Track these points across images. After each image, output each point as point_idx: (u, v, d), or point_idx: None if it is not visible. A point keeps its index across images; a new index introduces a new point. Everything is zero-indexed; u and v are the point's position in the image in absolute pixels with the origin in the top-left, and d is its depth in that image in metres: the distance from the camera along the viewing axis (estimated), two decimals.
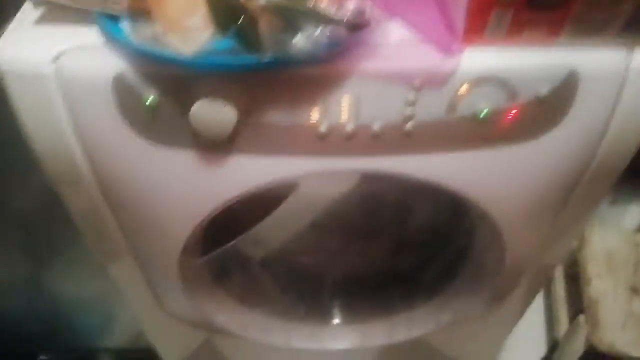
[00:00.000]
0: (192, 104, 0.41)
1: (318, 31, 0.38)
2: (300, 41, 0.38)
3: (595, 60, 0.44)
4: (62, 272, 0.87)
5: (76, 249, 0.77)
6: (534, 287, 0.75)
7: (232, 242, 0.60)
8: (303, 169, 0.47)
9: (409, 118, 0.44)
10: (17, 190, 0.74)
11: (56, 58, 0.42)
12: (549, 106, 0.45)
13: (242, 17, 0.37)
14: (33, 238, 0.83)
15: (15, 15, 0.46)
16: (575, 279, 1.04)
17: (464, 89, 0.43)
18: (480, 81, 0.43)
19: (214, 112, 0.42)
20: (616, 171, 0.54)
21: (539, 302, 1.14)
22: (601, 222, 1.07)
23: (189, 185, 0.47)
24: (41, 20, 0.45)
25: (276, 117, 0.44)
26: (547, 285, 1.13)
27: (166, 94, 0.42)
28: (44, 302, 0.92)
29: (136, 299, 0.69)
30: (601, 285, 0.98)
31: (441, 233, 0.67)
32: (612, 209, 1.10)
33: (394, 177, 0.48)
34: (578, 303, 1.01)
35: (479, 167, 0.48)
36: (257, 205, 0.56)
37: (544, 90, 0.43)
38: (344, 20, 0.38)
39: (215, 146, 0.45)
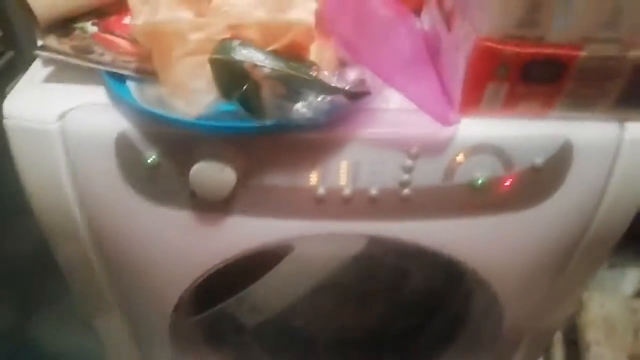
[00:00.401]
0: (192, 165, 0.42)
1: (319, 98, 0.39)
2: (302, 107, 0.39)
3: (589, 132, 0.45)
4: (48, 325, 0.84)
5: (64, 302, 0.75)
6: (532, 353, 0.73)
7: (223, 303, 0.58)
8: (300, 231, 0.47)
9: (406, 184, 0.45)
10: (6, 239, 0.73)
11: (62, 116, 0.42)
12: (545, 175, 0.45)
13: (245, 84, 0.38)
14: (20, 288, 0.82)
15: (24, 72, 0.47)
16: (574, 344, 1.01)
17: (460, 157, 0.44)
18: (476, 150, 0.44)
19: (213, 174, 0.42)
20: (613, 238, 0.54)
21: None
22: (599, 287, 1.05)
23: (185, 245, 0.47)
24: (49, 78, 0.46)
25: (275, 179, 0.44)
26: (547, 351, 1.10)
27: (167, 154, 0.43)
28: (28, 355, 0.89)
29: (121, 357, 0.67)
30: (600, 352, 0.96)
31: (438, 298, 0.66)
32: (609, 273, 1.09)
33: (391, 242, 0.48)
34: None
35: (475, 234, 0.49)
36: (252, 266, 0.55)
37: (539, 160, 0.44)
38: (345, 89, 0.39)
39: (213, 207, 0.45)
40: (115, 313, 0.56)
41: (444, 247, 0.49)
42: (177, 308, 0.52)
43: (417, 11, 0.53)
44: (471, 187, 0.45)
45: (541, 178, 0.45)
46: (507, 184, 0.45)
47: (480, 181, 0.45)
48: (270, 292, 0.60)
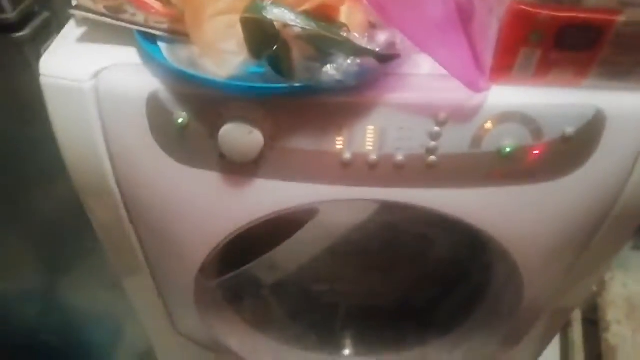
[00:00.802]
0: (221, 126, 0.43)
1: (349, 61, 0.39)
2: (331, 69, 0.39)
3: (622, 102, 0.44)
4: (76, 284, 0.87)
5: (92, 261, 0.78)
6: (550, 331, 0.73)
7: (247, 266, 0.60)
8: (325, 196, 0.47)
9: (433, 150, 0.45)
10: (39, 199, 0.75)
11: (95, 75, 0.43)
12: (575, 146, 0.45)
13: (276, 44, 0.38)
14: (50, 247, 0.84)
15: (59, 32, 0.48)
16: (593, 324, 1.01)
17: (489, 124, 0.44)
18: (505, 118, 0.44)
19: (241, 136, 0.43)
20: None
21: (554, 346, 1.11)
22: (622, 267, 1.05)
23: (211, 206, 0.48)
24: (83, 38, 0.47)
25: (302, 143, 0.44)
26: (564, 330, 1.10)
27: (197, 115, 0.43)
28: (57, 313, 0.93)
29: (148, 316, 0.69)
30: (620, 332, 0.96)
31: (459, 268, 0.66)
32: (633, 254, 1.08)
33: (414, 209, 0.48)
34: (595, 349, 0.98)
35: (501, 203, 0.48)
36: (274, 229, 0.56)
37: (570, 129, 0.44)
38: (375, 51, 0.39)
39: (240, 169, 0.45)
40: (145, 273, 0.58)
41: (469, 215, 0.49)
42: (202, 269, 0.53)
43: None
44: (499, 156, 0.44)
45: (571, 148, 0.45)
46: (535, 153, 0.45)
47: (508, 149, 0.44)
48: (292, 254, 0.60)
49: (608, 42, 0.40)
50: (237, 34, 0.40)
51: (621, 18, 0.38)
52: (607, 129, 0.44)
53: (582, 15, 0.39)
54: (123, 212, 0.51)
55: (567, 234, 0.52)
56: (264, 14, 0.37)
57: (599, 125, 0.44)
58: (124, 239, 0.54)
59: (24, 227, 0.78)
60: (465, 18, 0.47)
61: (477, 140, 0.44)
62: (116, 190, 0.49)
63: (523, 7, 0.39)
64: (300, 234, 0.57)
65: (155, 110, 0.43)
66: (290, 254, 0.61)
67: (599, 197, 0.49)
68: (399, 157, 0.45)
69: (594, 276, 0.65)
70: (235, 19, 0.39)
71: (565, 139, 0.44)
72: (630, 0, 0.38)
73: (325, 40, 0.38)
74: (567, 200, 0.49)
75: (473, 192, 0.47)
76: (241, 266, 0.62)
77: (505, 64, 0.42)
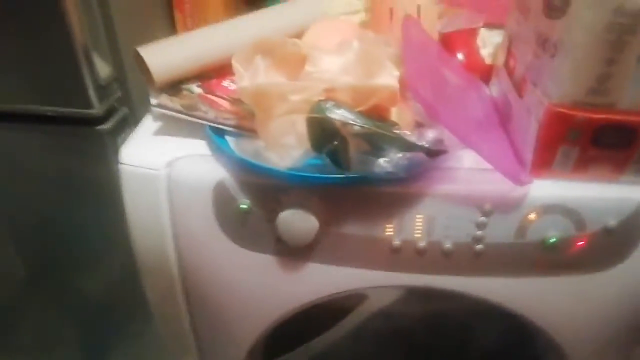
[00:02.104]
0: (280, 212, 0.46)
1: (400, 155, 0.43)
2: (384, 162, 0.43)
3: None
4: None
5: (137, 345, 0.78)
6: None
7: (295, 350, 0.60)
8: (375, 281, 0.49)
9: (480, 240, 0.47)
10: (86, 280, 0.78)
11: (169, 164, 0.48)
12: (618, 238, 0.46)
13: (336, 140, 0.42)
14: (94, 329, 0.85)
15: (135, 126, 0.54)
16: None
17: (532, 215, 0.46)
18: (548, 210, 0.46)
19: (298, 221, 0.46)
20: None
21: None
22: None
23: (266, 288, 0.50)
24: (158, 131, 0.52)
25: (354, 229, 0.47)
26: None
27: (258, 201, 0.47)
28: None
29: None
30: None
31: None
32: None
33: (461, 297, 0.49)
34: None
35: (546, 293, 0.49)
36: (319, 315, 0.57)
37: (612, 221, 0.45)
38: (426, 147, 0.43)
39: (296, 253, 0.48)
40: (193, 354, 0.59)
41: (515, 305, 0.49)
42: (250, 351, 0.54)
43: (485, 80, 0.57)
44: (543, 246, 0.46)
45: (614, 240, 0.46)
46: (579, 244, 0.46)
47: (552, 240, 0.46)
48: (338, 341, 0.61)
49: None
50: (297, 131, 0.44)
51: None
52: None
53: (616, 117, 0.42)
54: (180, 291, 0.54)
55: (616, 326, 0.51)
56: (327, 114, 0.41)
57: None
58: (177, 318, 0.56)
59: (73, 309, 0.80)
60: (502, 118, 0.51)
61: (521, 231, 0.46)
62: (176, 269, 0.52)
63: (560, 109, 0.42)
64: (347, 320, 0.57)
65: (220, 196, 0.47)
66: (336, 342, 0.61)
67: None
68: (447, 245, 0.47)
69: None
70: (296, 118, 0.44)
71: (607, 231, 0.46)
72: None
73: (380, 137, 0.42)
74: (613, 292, 0.49)
75: (519, 282, 0.48)
76: (287, 348, 0.62)
77: (545, 160, 0.45)
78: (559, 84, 0.42)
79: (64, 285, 0.77)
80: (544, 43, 0.44)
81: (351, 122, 0.41)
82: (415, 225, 0.47)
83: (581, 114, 0.42)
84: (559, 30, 0.41)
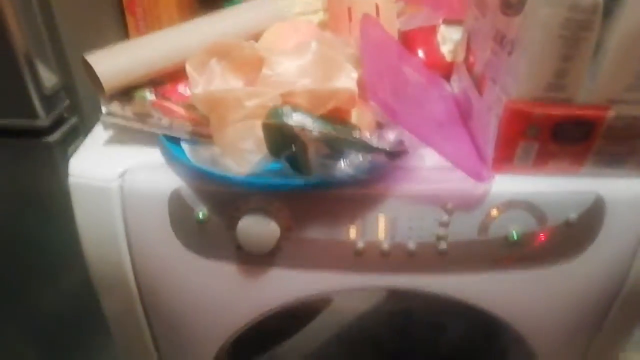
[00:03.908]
0: (239, 219, 0.44)
1: (361, 157, 0.42)
2: (344, 166, 0.42)
3: (620, 188, 0.46)
4: None
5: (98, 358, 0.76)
6: None
7: (262, 356, 0.59)
8: (339, 284, 0.48)
9: (443, 238, 0.46)
10: (44, 296, 0.75)
11: (121, 174, 0.46)
12: (578, 230, 0.47)
13: (294, 145, 0.41)
14: (55, 345, 0.83)
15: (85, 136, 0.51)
16: None
17: (494, 212, 0.46)
18: (510, 205, 0.46)
19: (259, 228, 0.45)
20: None
21: None
22: (637, 348, 1.02)
23: (229, 297, 0.49)
24: (110, 140, 0.50)
25: (316, 233, 0.46)
26: None
27: (216, 209, 0.46)
28: None
29: None
30: None
31: (474, 354, 0.66)
32: None
33: (427, 296, 0.49)
34: None
35: (510, 287, 0.49)
36: (287, 318, 0.56)
37: (573, 215, 0.46)
38: (386, 149, 0.42)
39: (257, 260, 0.47)
40: None
41: (480, 300, 0.49)
42: (216, 358, 0.53)
43: (446, 77, 0.57)
44: (506, 241, 0.46)
45: (575, 233, 0.47)
46: (541, 238, 0.47)
47: (514, 235, 0.46)
48: (304, 344, 0.60)
49: (601, 135, 0.43)
50: (255, 136, 0.43)
51: (611, 113, 0.42)
52: (608, 214, 0.46)
53: (574, 112, 0.42)
54: (138, 304, 0.52)
55: (578, 317, 0.52)
56: (284, 120, 0.40)
57: (600, 210, 0.46)
58: (137, 330, 0.54)
59: (26, 324, 0.77)
60: (463, 115, 0.51)
61: (484, 227, 0.46)
62: (133, 283, 0.50)
63: (519, 105, 0.42)
64: (314, 323, 0.57)
65: (176, 206, 0.46)
66: (303, 344, 0.60)
67: (606, 279, 0.50)
68: (410, 245, 0.46)
69: (609, 357, 0.64)
70: (253, 123, 0.42)
71: (568, 224, 0.46)
72: (618, 97, 0.41)
73: (340, 141, 0.41)
74: (575, 283, 0.50)
75: (483, 277, 0.48)
76: (253, 355, 0.61)
77: (506, 156, 0.45)
78: (517, 81, 0.42)
79: (20, 302, 0.74)
80: (501, 40, 0.43)
81: (308, 127, 0.40)
82: (379, 227, 0.46)
83: (540, 111, 0.42)
84: (516, 28, 0.41)
